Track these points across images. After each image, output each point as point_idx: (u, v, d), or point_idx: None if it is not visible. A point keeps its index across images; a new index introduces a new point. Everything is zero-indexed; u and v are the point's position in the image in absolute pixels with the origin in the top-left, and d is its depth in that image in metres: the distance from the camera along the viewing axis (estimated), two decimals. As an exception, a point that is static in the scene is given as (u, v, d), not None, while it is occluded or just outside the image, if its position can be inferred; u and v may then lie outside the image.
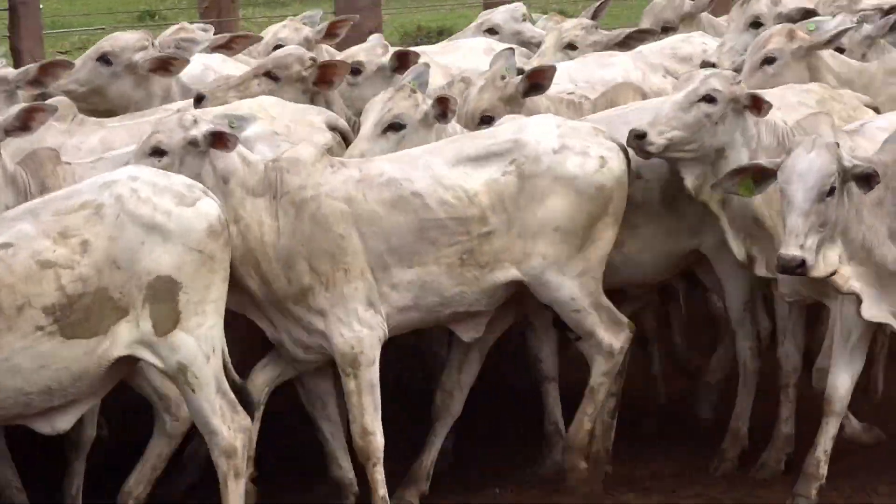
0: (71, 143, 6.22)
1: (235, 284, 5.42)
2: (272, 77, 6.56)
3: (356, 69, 6.94)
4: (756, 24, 7.39)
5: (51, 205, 5.15)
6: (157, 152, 5.37)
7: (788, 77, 6.73)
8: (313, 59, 6.68)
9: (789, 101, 6.41)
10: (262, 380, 5.68)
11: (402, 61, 6.81)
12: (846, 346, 5.79)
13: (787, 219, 5.43)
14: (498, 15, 8.24)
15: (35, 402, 5.03)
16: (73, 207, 5.06)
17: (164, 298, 5.07)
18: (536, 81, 6.34)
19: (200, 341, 5.14)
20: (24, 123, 5.61)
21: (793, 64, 6.79)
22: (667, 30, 8.06)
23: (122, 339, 5.04)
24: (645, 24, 8.26)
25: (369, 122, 5.87)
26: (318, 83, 6.60)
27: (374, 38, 7.44)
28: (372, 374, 5.57)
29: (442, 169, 5.62)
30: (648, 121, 5.93)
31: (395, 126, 5.81)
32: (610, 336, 5.77)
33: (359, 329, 5.51)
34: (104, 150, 6.09)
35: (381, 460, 5.59)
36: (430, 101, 5.91)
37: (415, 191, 5.53)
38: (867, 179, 5.44)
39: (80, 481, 5.78)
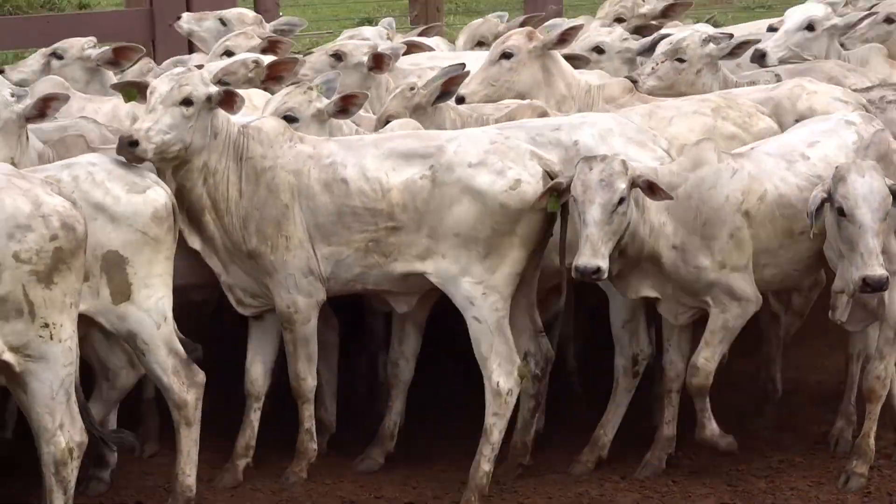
0: (91, 108, 6.75)
1: (203, 230, 5.91)
2: (223, 84, 6.77)
3: (339, 55, 7.32)
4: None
5: None
6: (187, 102, 5.75)
7: (524, 73, 7.09)
8: (256, 62, 7.06)
9: (685, 110, 6.73)
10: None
11: (378, 62, 7.20)
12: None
13: (859, 241, 5.60)
14: (368, 30, 8.59)
15: None
16: None
17: (116, 271, 5.49)
18: (447, 90, 6.64)
19: (150, 312, 5.57)
20: (41, 111, 5.93)
21: (528, 62, 7.11)
22: (481, 44, 8.46)
23: (84, 301, 5.39)
24: (461, 41, 8.74)
25: (266, 112, 6.24)
26: (268, 80, 6.99)
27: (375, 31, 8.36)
28: (306, 330, 6.00)
29: (373, 161, 5.90)
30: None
31: (288, 118, 6.13)
32: (500, 373, 5.87)
33: (295, 293, 5.91)
34: (113, 116, 6.69)
35: (312, 400, 6.06)
36: (325, 100, 6.24)
37: (344, 177, 5.84)
38: None
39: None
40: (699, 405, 6.25)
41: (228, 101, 5.81)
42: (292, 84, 6.59)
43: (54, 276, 5.07)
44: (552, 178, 5.86)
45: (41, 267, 5.04)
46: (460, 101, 6.97)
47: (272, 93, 6.92)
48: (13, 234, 4.99)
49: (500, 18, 8.88)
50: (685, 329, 6.35)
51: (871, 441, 6.12)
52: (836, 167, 5.87)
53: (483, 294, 5.81)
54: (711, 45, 7.37)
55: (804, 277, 6.57)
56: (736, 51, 7.49)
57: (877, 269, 5.55)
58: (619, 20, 8.42)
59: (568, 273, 5.98)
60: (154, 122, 5.79)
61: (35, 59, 7.48)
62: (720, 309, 6.12)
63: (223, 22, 8.40)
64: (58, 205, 5.15)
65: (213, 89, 5.87)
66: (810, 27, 7.46)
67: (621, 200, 5.73)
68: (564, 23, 7.67)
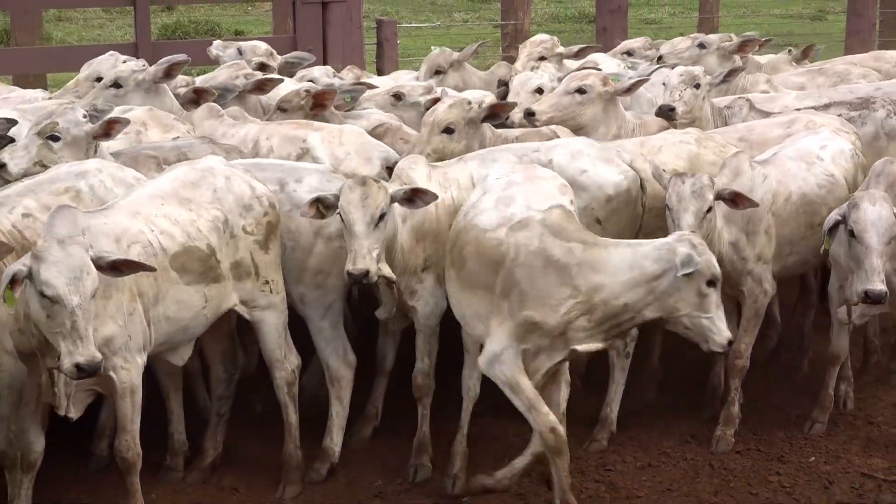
0: (231, 132, 6.85)
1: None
2: (282, 109, 7.20)
3: (398, 95, 7.61)
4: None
5: (44, 186, 5.57)
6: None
7: (589, 109, 7.15)
8: (308, 91, 7.23)
9: (671, 140, 6.82)
10: None
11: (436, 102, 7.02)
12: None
13: (866, 260, 5.87)
14: (316, 70, 8.50)
15: None
16: (60, 190, 5.56)
17: None
18: (496, 112, 6.70)
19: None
20: (106, 131, 6.08)
21: (595, 101, 7.17)
22: (438, 73, 8.62)
23: None
24: (423, 69, 8.76)
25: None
26: (314, 108, 7.14)
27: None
28: None
29: None
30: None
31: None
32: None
33: None
34: (242, 141, 6.78)
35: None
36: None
37: None
38: None
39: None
40: (735, 384, 6.47)
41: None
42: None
43: (269, 244, 5.72)
44: None
45: (260, 237, 5.68)
46: (530, 115, 7.08)
47: (325, 119, 7.08)
48: (241, 212, 5.62)
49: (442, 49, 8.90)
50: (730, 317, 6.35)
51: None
52: (853, 195, 6.11)
53: None
54: (709, 76, 7.56)
55: (819, 263, 6.78)
56: (727, 78, 7.75)
57: (877, 285, 5.79)
58: (542, 59, 8.59)
59: None
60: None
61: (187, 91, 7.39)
62: (752, 299, 6.39)
63: (240, 51, 8.62)
64: (263, 188, 5.78)
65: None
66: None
67: (709, 209, 5.92)
68: (627, 74, 7.86)
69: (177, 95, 7.38)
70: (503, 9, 12.54)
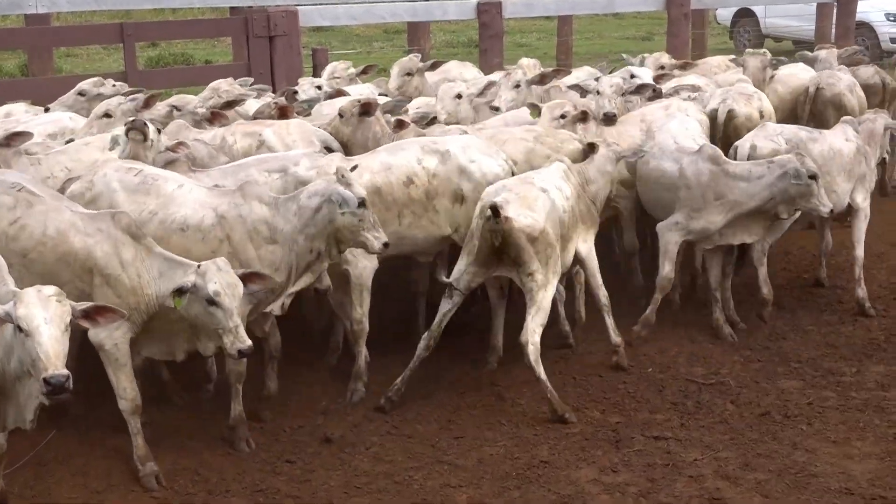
0: (200, 136, 6.59)
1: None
2: (341, 115, 6.67)
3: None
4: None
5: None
6: None
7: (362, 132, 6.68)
8: (276, 103, 7.06)
9: (516, 136, 6.62)
10: None
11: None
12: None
13: None
14: (305, 83, 8.21)
15: None
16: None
17: None
18: (365, 110, 6.56)
19: None
20: (174, 149, 6.09)
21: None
22: (409, 74, 8.36)
23: None
24: (395, 70, 8.36)
25: None
26: (280, 116, 6.90)
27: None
28: None
29: None
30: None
31: None
32: None
33: None
34: (211, 140, 6.51)
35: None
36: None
37: None
38: None
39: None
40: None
41: None
42: None
43: None
44: None
45: None
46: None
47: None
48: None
49: (417, 56, 8.65)
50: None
51: None
52: None
53: None
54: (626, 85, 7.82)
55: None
56: (640, 90, 7.87)
57: None
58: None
59: None
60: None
61: (162, 107, 7.02)
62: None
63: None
64: None
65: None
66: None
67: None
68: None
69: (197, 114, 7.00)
70: (409, 38, 12.27)
